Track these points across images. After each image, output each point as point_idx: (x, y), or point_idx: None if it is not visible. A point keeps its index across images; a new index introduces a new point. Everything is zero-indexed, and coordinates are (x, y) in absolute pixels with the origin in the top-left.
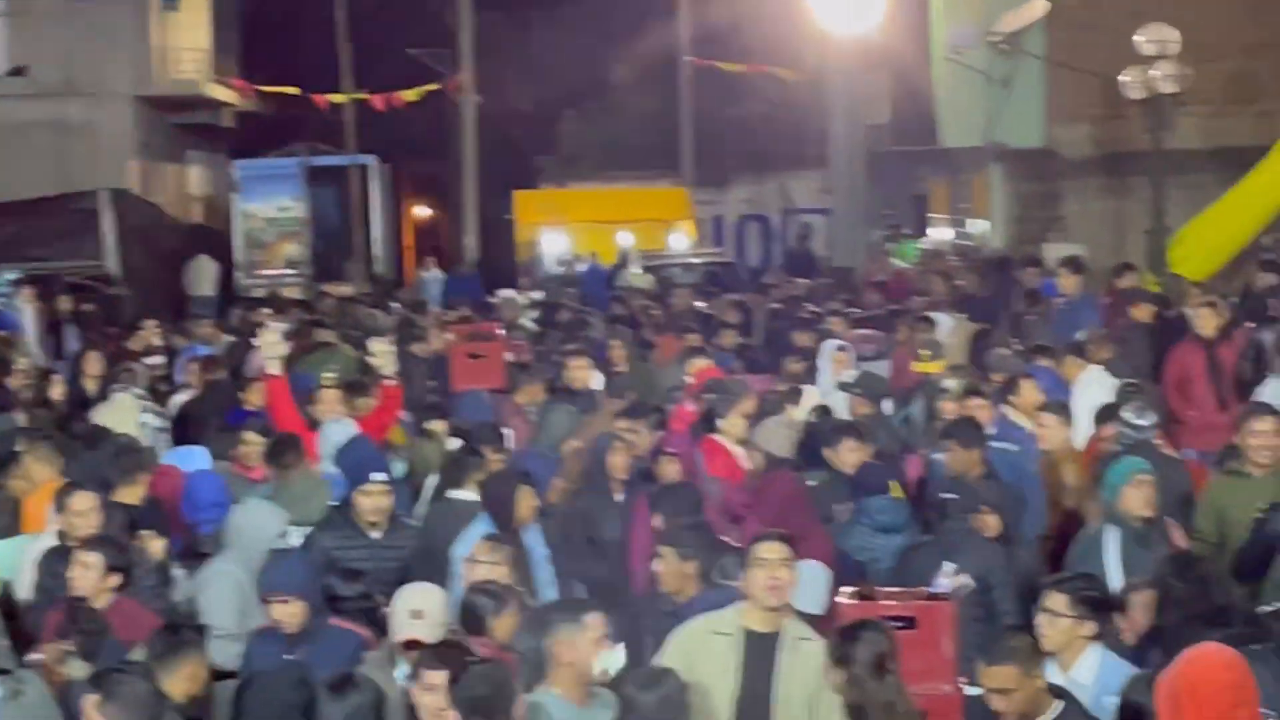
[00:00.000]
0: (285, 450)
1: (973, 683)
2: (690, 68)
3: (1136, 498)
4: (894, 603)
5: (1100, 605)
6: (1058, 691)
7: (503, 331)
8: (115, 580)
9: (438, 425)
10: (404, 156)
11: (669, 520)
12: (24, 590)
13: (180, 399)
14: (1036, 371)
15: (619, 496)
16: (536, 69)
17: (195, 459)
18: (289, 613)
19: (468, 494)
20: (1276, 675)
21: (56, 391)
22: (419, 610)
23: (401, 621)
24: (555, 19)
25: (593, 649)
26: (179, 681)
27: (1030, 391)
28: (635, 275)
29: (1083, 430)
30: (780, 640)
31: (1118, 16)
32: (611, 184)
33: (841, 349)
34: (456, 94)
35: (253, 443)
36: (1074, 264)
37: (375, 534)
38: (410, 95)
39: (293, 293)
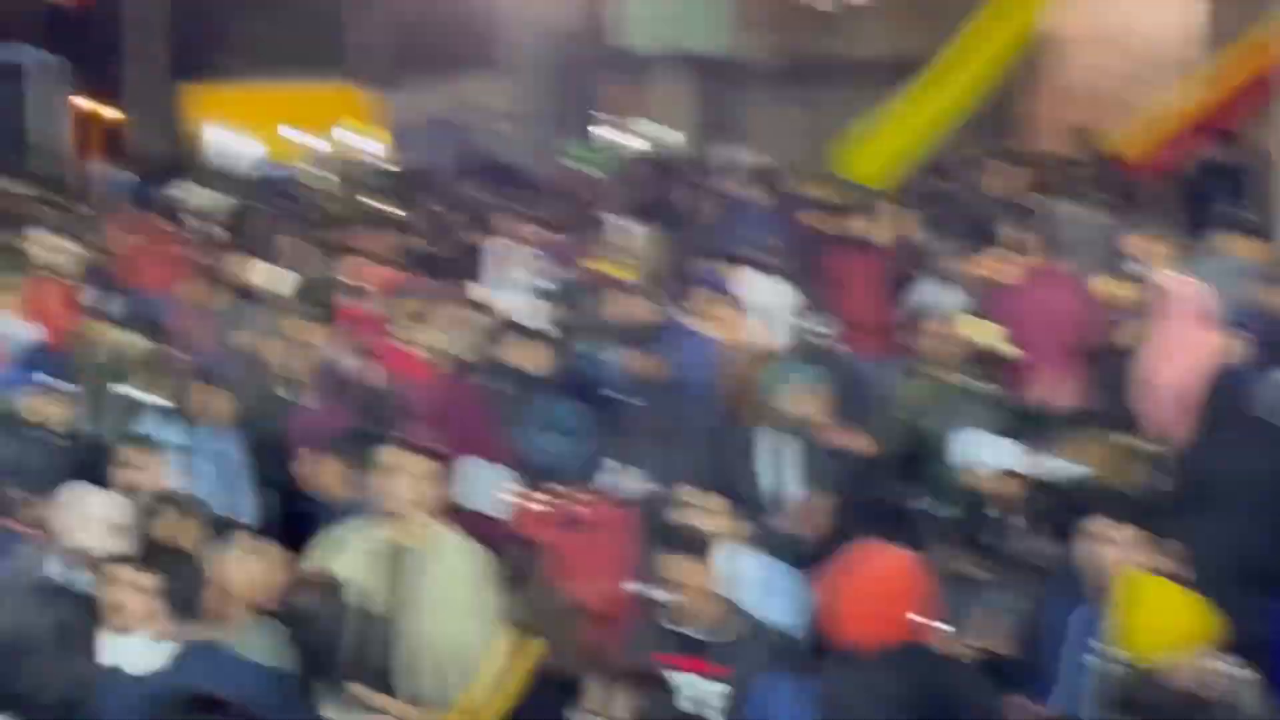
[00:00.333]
0: None
1: (651, 584)
2: None
3: (801, 402)
4: (573, 505)
5: (749, 506)
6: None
7: (179, 230)
8: None
9: (114, 323)
10: (82, 53)
11: (340, 424)
12: None
13: None
14: (716, 278)
15: (296, 397)
16: None
17: None
18: None
19: (143, 392)
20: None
21: None
22: (88, 513)
23: (72, 524)
24: None
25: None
26: None
27: (709, 297)
28: (313, 175)
29: (759, 335)
30: (428, 550)
31: None
32: (286, 82)
33: (523, 253)
34: None
35: None
36: (757, 172)
37: (40, 433)
38: None
39: None
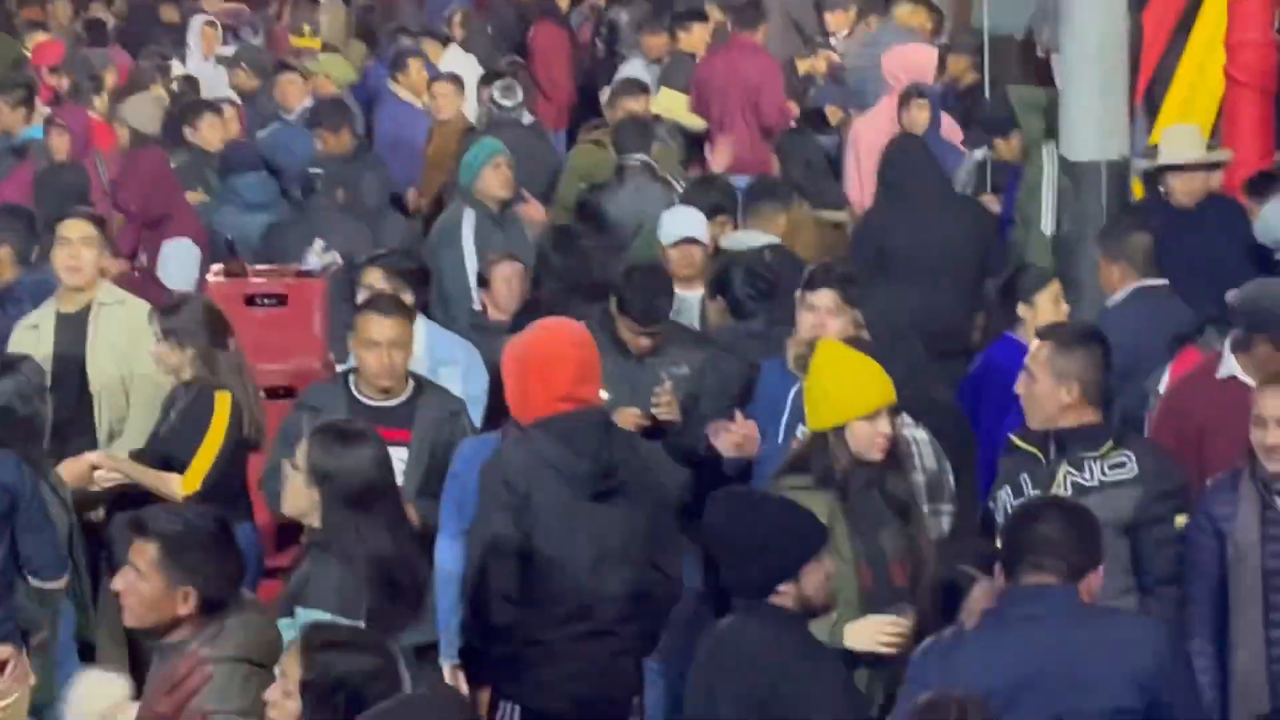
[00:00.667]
0: None
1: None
2: None
3: (494, 179)
4: (264, 280)
5: (419, 278)
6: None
7: None
8: None
9: None
10: None
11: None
12: None
13: None
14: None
15: None
16: None
17: None
18: None
19: None
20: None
21: None
22: None
23: None
24: None
25: None
26: None
27: (418, 70)
28: None
29: (461, 109)
30: (91, 312)
31: None
32: None
33: (210, 24)
34: None
35: None
36: None
37: None
38: None
39: None
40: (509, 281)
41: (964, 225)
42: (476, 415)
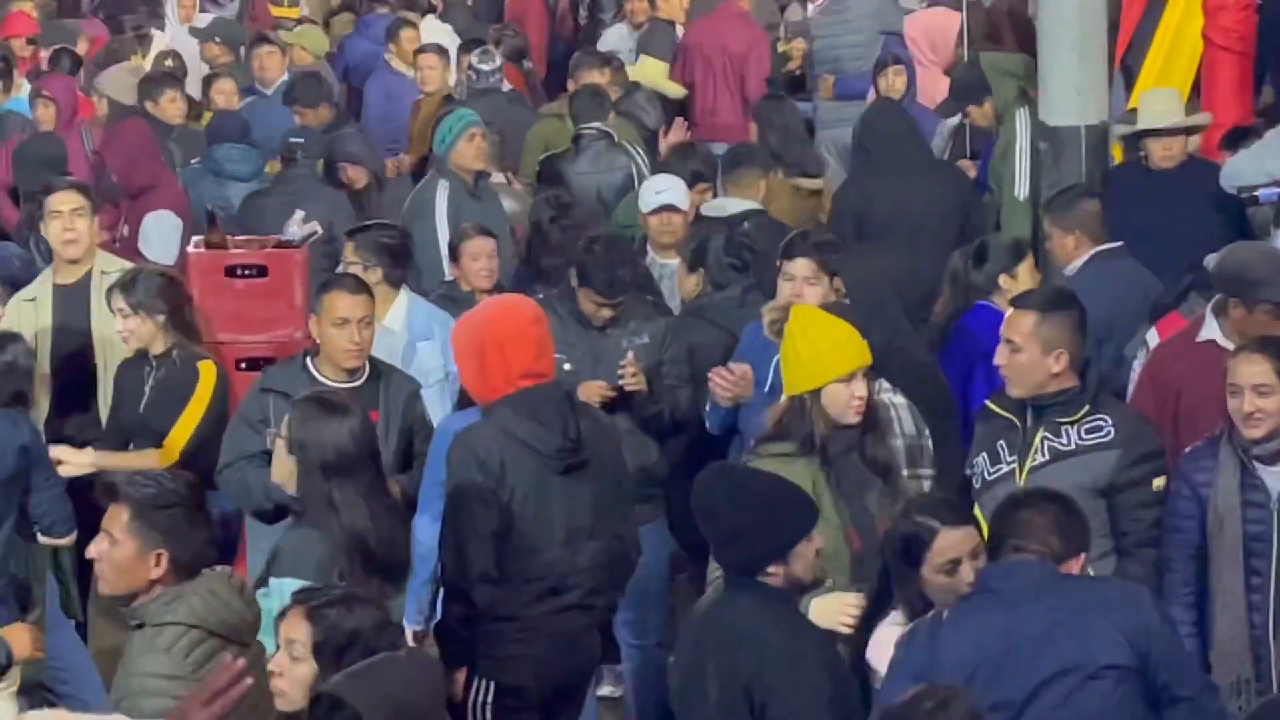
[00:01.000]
0: None
1: None
2: None
3: (469, 151)
4: (244, 251)
5: (398, 254)
6: None
7: None
8: None
9: None
10: None
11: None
12: None
13: None
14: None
15: None
16: None
17: None
18: None
19: None
20: None
21: None
22: None
23: None
24: None
25: None
26: None
27: (410, 40)
28: None
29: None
30: (92, 282)
31: None
32: None
33: None
34: None
35: None
36: None
37: None
38: None
39: None
40: (476, 256)
41: (943, 191)
42: (453, 390)
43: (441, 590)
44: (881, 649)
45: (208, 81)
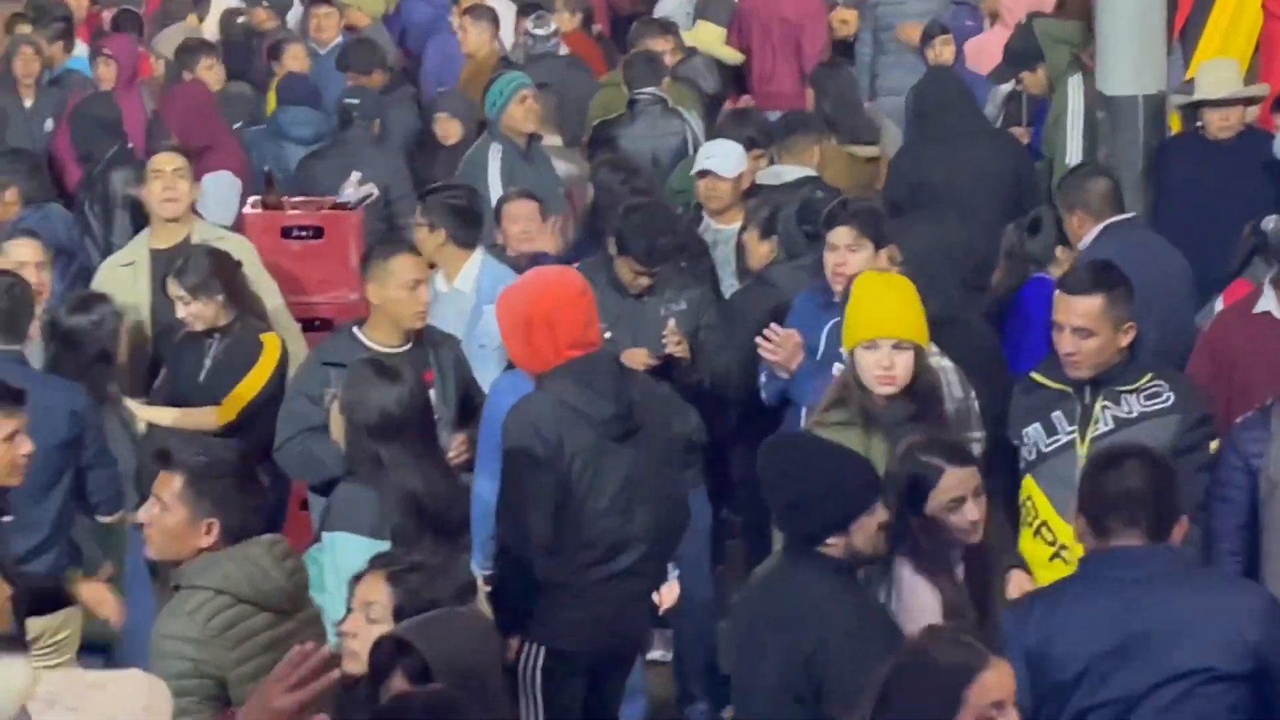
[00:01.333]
0: None
1: None
2: None
3: (520, 112)
4: (299, 212)
5: (466, 215)
6: None
7: None
8: None
9: None
10: None
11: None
12: None
13: None
14: None
15: (28, 102)
16: None
17: None
18: None
19: None
20: None
21: None
22: None
23: None
24: None
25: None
26: None
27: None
28: None
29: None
30: (188, 247)
31: None
32: None
33: None
34: None
35: None
36: None
37: None
38: None
39: None
40: (514, 219)
41: (998, 158)
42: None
43: (502, 558)
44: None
45: (277, 45)
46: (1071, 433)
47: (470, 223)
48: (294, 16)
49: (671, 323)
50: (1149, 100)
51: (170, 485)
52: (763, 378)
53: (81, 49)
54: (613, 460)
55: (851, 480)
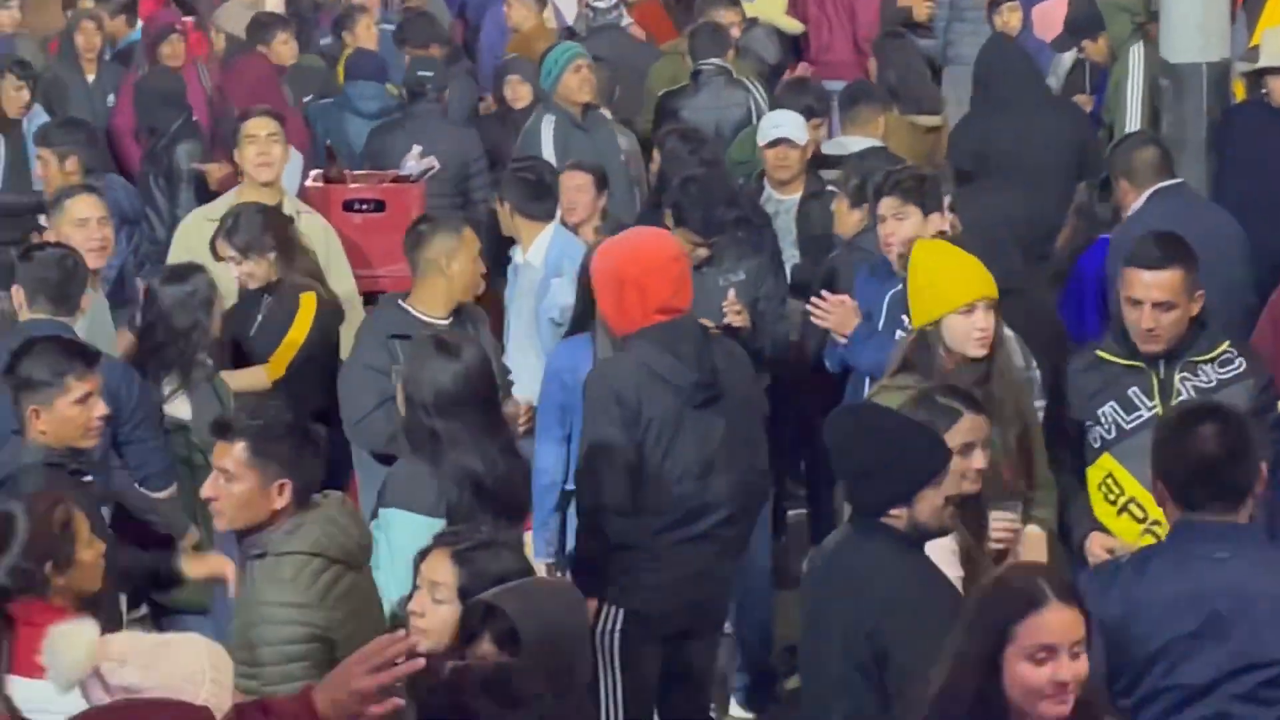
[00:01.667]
0: None
1: None
2: None
3: (575, 82)
4: (361, 186)
5: (533, 187)
6: None
7: None
8: None
9: None
10: None
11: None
12: None
13: None
14: None
15: (90, 77)
16: None
17: None
18: None
19: None
20: None
21: None
22: None
23: None
24: None
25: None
26: None
27: None
28: None
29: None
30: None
31: None
32: None
33: None
34: None
35: None
36: None
37: None
38: None
39: None
40: (565, 191)
41: (1061, 127)
42: None
43: (575, 520)
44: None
45: (344, 18)
46: (1154, 408)
47: (538, 195)
48: None
49: (731, 293)
50: (1213, 68)
51: (232, 454)
52: (826, 346)
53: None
54: (693, 426)
55: (915, 451)
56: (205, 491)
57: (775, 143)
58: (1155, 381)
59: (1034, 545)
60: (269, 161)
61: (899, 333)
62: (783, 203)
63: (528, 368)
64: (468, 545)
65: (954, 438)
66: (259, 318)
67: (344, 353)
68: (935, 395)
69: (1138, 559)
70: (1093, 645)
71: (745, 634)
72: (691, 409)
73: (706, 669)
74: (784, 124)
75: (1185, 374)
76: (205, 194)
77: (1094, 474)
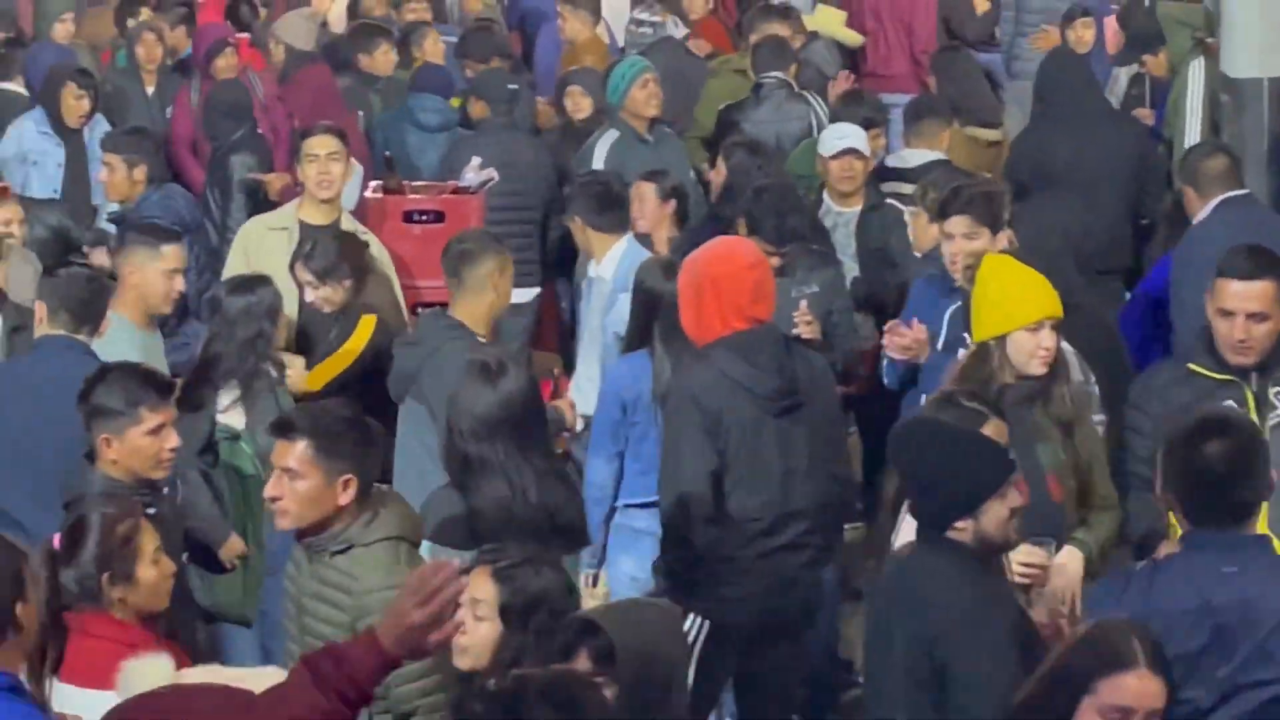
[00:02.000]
0: None
1: None
2: None
3: (642, 97)
4: (421, 197)
5: (602, 200)
6: None
7: None
8: None
9: None
10: None
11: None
12: None
13: None
14: None
15: (150, 89)
16: None
17: None
18: None
19: (14, 87)
20: None
21: None
22: None
23: None
24: None
25: (163, 279)
26: None
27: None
28: None
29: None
30: (336, 229)
31: None
32: None
33: None
34: None
35: None
36: None
37: None
38: None
39: None
40: (632, 201)
41: (1122, 141)
42: None
43: (660, 531)
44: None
45: (411, 33)
46: None
47: (607, 207)
48: None
49: (804, 304)
50: (1274, 83)
51: (294, 452)
52: (884, 362)
53: None
54: (773, 434)
55: (978, 463)
56: (269, 491)
57: (841, 154)
58: (1249, 395)
59: (1063, 570)
60: (329, 180)
61: (961, 351)
62: (842, 215)
63: (595, 383)
64: (508, 563)
65: None
66: (330, 338)
67: None
68: (959, 398)
69: (1147, 571)
70: None
71: (811, 646)
72: (772, 417)
73: (790, 677)
74: (849, 135)
75: (1278, 387)
76: (260, 205)
77: None
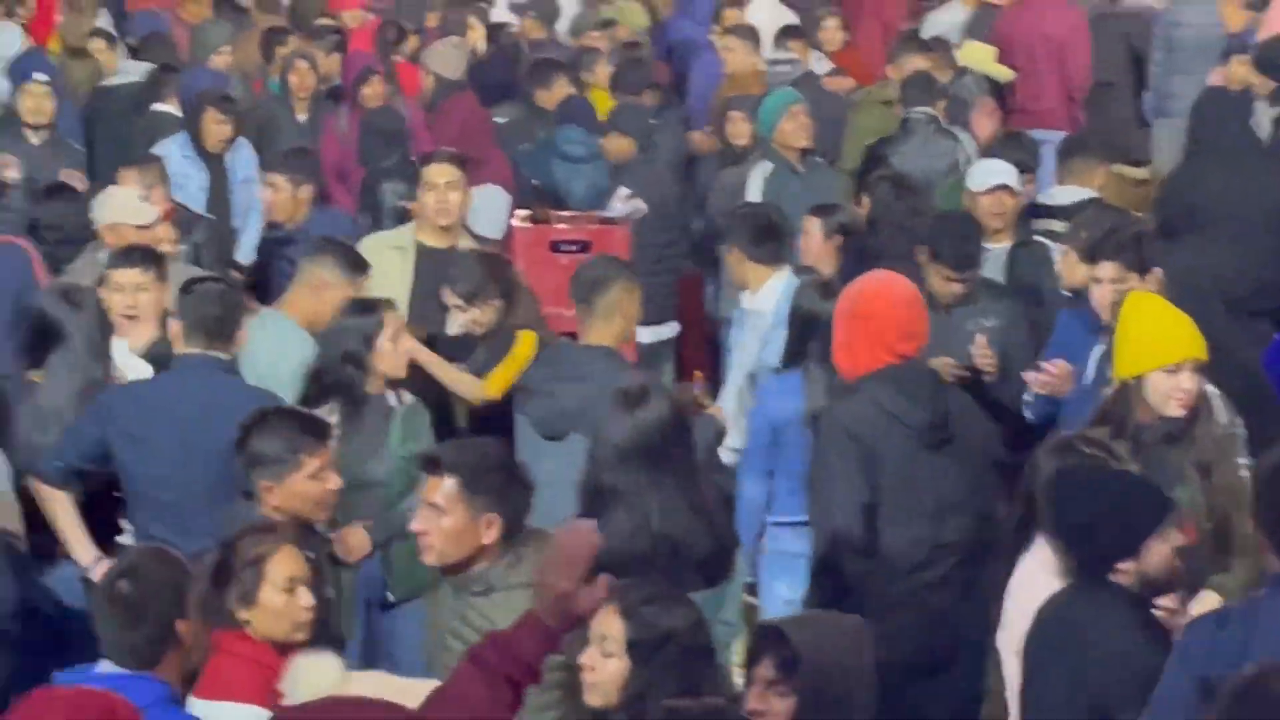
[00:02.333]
0: None
1: None
2: None
3: (790, 128)
4: (568, 227)
5: (759, 232)
6: None
7: None
8: None
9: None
10: None
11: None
12: None
13: None
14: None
15: (302, 116)
16: None
17: None
18: None
19: (169, 108)
20: None
21: None
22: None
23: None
24: None
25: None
26: None
27: (732, 17)
28: None
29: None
30: (454, 254)
31: None
32: None
33: None
34: None
35: None
36: None
37: (35, 140)
38: None
39: None
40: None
41: (1275, 182)
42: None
43: (814, 563)
44: (1023, 586)
45: (582, 60)
46: None
47: (765, 239)
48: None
49: (982, 338)
50: None
51: (442, 488)
52: (1027, 397)
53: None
54: (925, 468)
55: (1139, 503)
56: (415, 525)
57: (993, 189)
58: None
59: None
60: (446, 209)
61: (1105, 389)
62: (990, 251)
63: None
64: (636, 599)
65: None
66: (475, 363)
67: None
68: (1078, 444)
69: (1243, 611)
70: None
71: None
72: (925, 451)
73: (936, 714)
74: (1002, 171)
75: None
76: None
77: None
